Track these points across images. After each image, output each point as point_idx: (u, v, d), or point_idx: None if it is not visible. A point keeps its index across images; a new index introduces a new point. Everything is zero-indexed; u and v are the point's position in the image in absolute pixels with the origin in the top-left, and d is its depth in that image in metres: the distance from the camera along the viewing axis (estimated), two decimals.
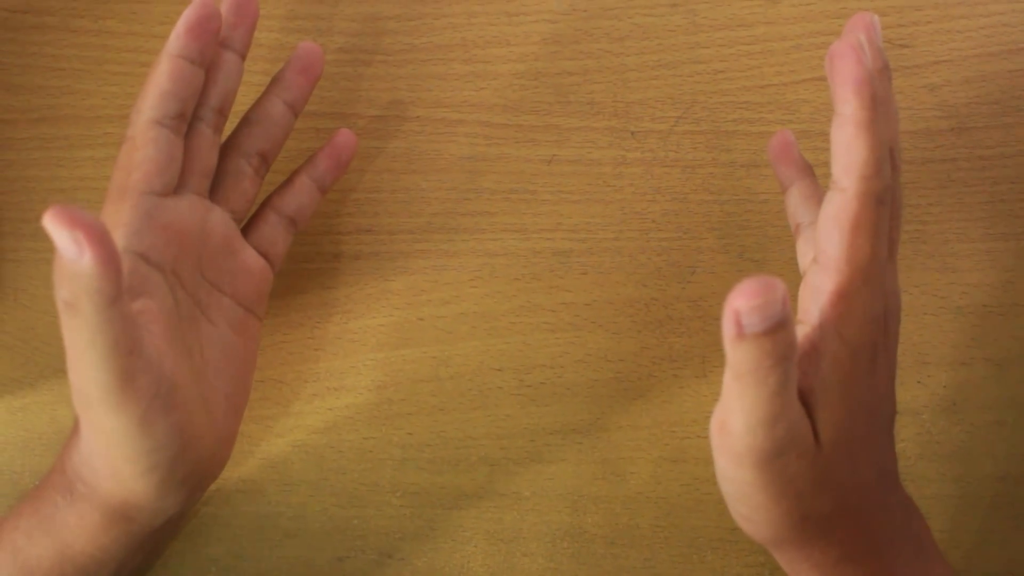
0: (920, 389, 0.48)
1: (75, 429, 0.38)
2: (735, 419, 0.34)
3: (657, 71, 0.50)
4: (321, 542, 0.46)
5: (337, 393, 0.47)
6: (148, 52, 0.49)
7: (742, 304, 0.31)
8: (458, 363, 0.47)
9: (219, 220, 0.41)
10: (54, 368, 0.47)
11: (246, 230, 0.44)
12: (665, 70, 0.50)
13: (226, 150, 0.43)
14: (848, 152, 0.35)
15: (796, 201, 0.43)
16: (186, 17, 0.39)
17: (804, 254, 0.41)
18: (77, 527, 0.37)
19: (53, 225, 0.30)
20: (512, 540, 0.46)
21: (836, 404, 0.35)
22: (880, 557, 0.37)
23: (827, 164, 0.49)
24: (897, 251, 0.39)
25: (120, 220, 0.38)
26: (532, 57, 0.50)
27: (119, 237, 0.37)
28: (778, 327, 0.32)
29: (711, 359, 0.47)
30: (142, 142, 0.38)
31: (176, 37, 0.39)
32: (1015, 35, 0.50)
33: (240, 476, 0.46)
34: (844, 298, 0.35)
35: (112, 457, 0.36)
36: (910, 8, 0.50)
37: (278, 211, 0.44)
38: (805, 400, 0.36)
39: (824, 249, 0.36)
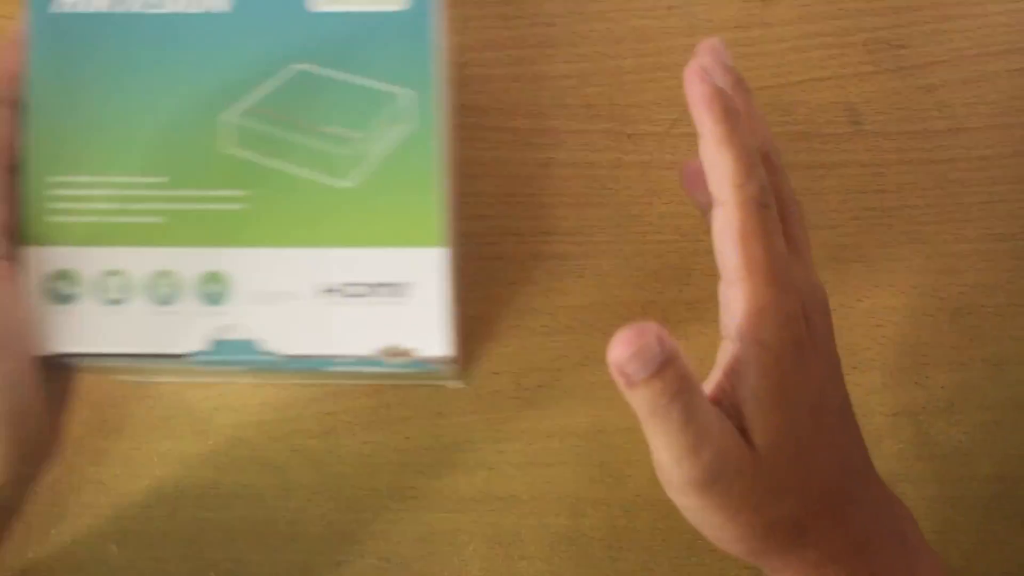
0: (918, 390, 0.48)
1: None
2: (661, 456, 0.35)
3: (654, 73, 0.50)
4: (319, 546, 0.46)
5: (335, 398, 0.47)
6: None
7: (620, 356, 0.33)
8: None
9: None
10: None
11: None
12: (662, 72, 0.50)
13: None
14: (716, 166, 0.36)
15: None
16: None
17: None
18: None
19: None
20: (510, 544, 0.46)
21: (771, 410, 0.35)
22: (861, 554, 0.37)
23: (823, 166, 0.49)
24: (804, 246, 0.38)
25: None
26: (528, 60, 0.50)
27: None
28: (662, 367, 0.33)
29: (709, 362, 0.47)
30: None
31: None
32: (1012, 35, 0.50)
33: (238, 480, 0.47)
34: (752, 306, 0.35)
35: None
36: (907, 9, 0.50)
37: None
38: (738, 413, 0.36)
39: (723, 264, 0.37)
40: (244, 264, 0.38)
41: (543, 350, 0.48)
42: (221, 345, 0.37)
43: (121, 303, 0.37)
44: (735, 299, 0.36)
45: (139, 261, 0.38)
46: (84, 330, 0.37)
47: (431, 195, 0.38)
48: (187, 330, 0.38)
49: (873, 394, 0.47)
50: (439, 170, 0.38)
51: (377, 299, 0.38)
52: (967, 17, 0.50)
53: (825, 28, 0.50)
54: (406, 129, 0.38)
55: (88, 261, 0.37)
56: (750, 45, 0.50)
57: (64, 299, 0.37)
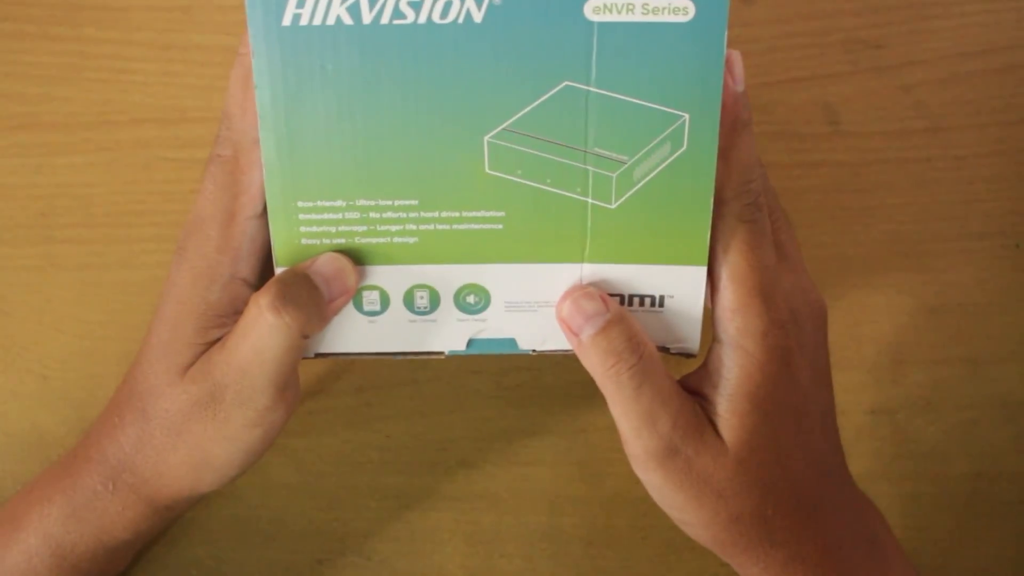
0: (896, 388, 0.48)
1: (112, 421, 0.38)
2: (621, 427, 0.36)
3: None
4: (300, 544, 0.46)
5: (316, 397, 0.47)
6: (125, 59, 0.49)
7: (565, 308, 0.36)
8: (436, 366, 0.48)
9: None
10: (35, 374, 0.47)
11: None
12: None
13: None
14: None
15: None
16: None
17: None
18: (119, 515, 0.38)
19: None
20: (490, 541, 0.47)
21: (749, 411, 0.36)
22: (830, 556, 0.37)
23: (801, 165, 0.49)
24: (795, 253, 0.39)
25: (230, 244, 0.37)
26: None
27: (228, 263, 0.37)
28: (609, 324, 0.35)
29: (689, 361, 0.47)
30: (247, 164, 0.37)
31: None
32: (989, 35, 0.50)
33: None
34: (737, 313, 0.36)
35: (201, 461, 0.37)
36: (885, 9, 0.50)
37: None
38: (711, 407, 0.37)
39: (712, 271, 0.37)
40: (502, 278, 0.38)
41: None
42: (475, 343, 0.39)
43: (379, 314, 0.38)
44: (720, 305, 0.37)
45: (394, 278, 0.38)
46: (345, 335, 0.39)
47: (701, 217, 0.37)
48: (442, 334, 0.39)
49: (850, 392, 0.48)
50: (709, 192, 0.36)
51: (632, 308, 0.38)
52: (944, 17, 0.50)
53: (803, 28, 0.50)
54: (678, 152, 0.36)
55: None
56: (729, 45, 0.50)
57: None
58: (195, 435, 0.37)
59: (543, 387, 0.48)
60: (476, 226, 0.37)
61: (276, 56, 0.35)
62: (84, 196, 0.48)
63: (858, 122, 0.49)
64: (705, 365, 0.38)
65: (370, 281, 0.38)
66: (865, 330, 0.48)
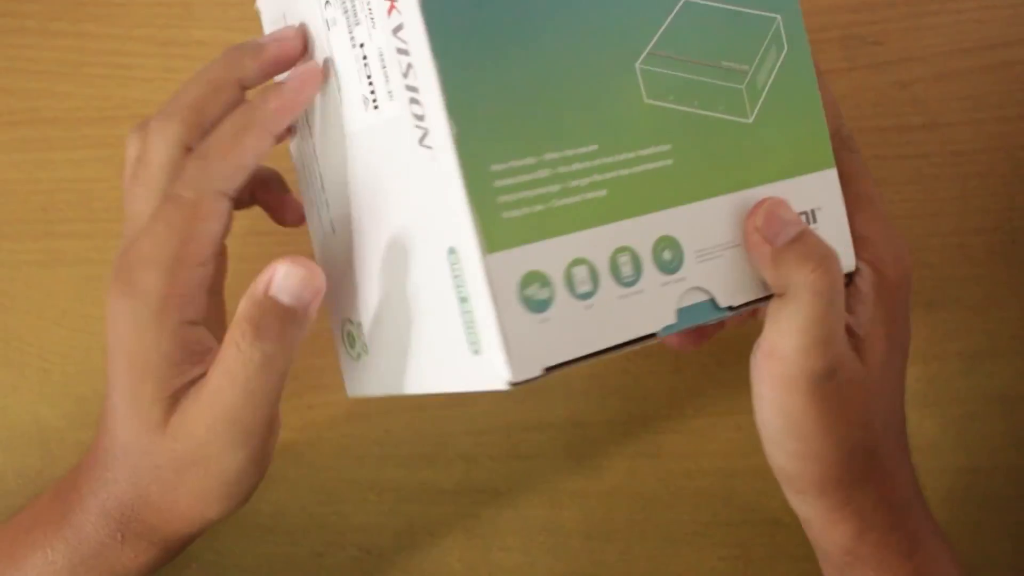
0: None
1: (105, 476, 0.37)
2: (787, 342, 0.34)
3: None
4: (300, 538, 0.47)
5: (316, 391, 0.48)
6: (126, 54, 0.50)
7: (760, 219, 0.35)
8: None
9: None
10: (35, 368, 0.47)
11: None
12: None
13: None
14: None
15: None
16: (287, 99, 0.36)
17: None
18: (131, 561, 0.37)
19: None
20: (489, 535, 0.47)
21: (883, 337, 0.36)
22: (908, 505, 0.37)
23: None
24: None
25: (176, 291, 0.35)
26: None
27: (175, 309, 0.35)
28: (807, 232, 0.34)
29: (685, 356, 0.48)
30: (207, 212, 0.35)
31: (277, 112, 0.36)
32: (986, 32, 0.50)
33: None
34: (871, 238, 0.37)
35: (207, 496, 0.36)
36: (882, 5, 0.51)
37: None
38: (854, 334, 0.36)
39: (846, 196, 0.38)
40: (686, 222, 0.34)
41: None
42: (684, 313, 0.34)
43: (592, 294, 0.32)
44: (862, 226, 0.37)
45: (597, 244, 0.33)
46: (566, 334, 0.32)
47: (817, 117, 0.37)
48: (654, 306, 0.33)
49: None
50: (815, 90, 0.37)
51: None
52: (941, 14, 0.51)
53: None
54: (782, 54, 0.36)
55: (551, 256, 0.32)
56: None
57: (541, 306, 0.31)
58: (193, 482, 0.36)
59: (541, 381, 0.48)
60: (651, 165, 0.34)
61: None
62: (85, 191, 0.49)
63: (855, 118, 0.50)
64: (849, 292, 0.37)
65: (577, 254, 0.32)
66: None
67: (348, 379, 0.38)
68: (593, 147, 0.33)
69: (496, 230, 0.31)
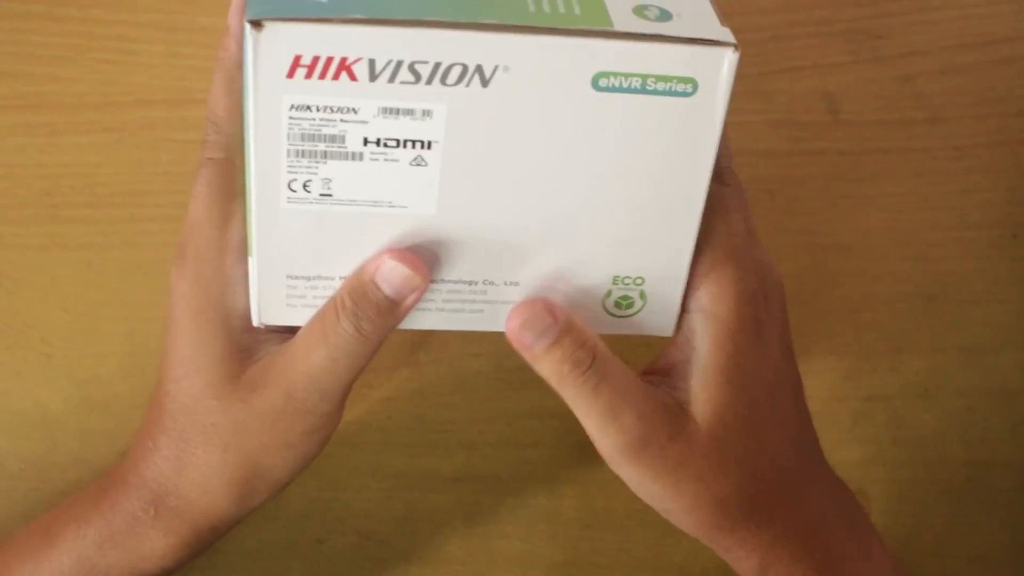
0: (893, 376, 0.48)
1: (147, 445, 0.38)
2: (587, 427, 0.36)
3: None
4: (301, 524, 0.47)
5: None
6: (133, 40, 0.50)
7: (514, 327, 0.36)
8: (437, 348, 0.48)
9: None
10: (38, 352, 0.47)
11: None
12: None
13: None
14: None
15: None
16: None
17: None
18: (159, 542, 0.37)
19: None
20: (489, 523, 0.47)
21: (721, 384, 0.36)
22: (816, 534, 0.37)
23: (801, 153, 0.50)
24: (752, 229, 0.38)
25: (230, 246, 0.37)
26: None
27: (234, 264, 0.37)
28: (561, 335, 0.35)
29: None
30: (242, 165, 0.36)
31: None
32: (989, 26, 0.51)
33: None
34: (709, 278, 0.36)
35: (253, 473, 0.37)
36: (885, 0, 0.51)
37: None
38: (684, 384, 0.36)
39: None
40: None
41: None
42: None
43: None
44: (695, 273, 0.36)
45: None
46: None
47: None
48: None
49: (848, 379, 0.48)
50: None
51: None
52: (945, 8, 0.51)
53: (806, 18, 0.51)
54: None
55: None
56: None
57: None
58: (247, 447, 0.36)
59: None
60: None
61: None
62: (89, 176, 0.49)
63: (858, 111, 0.50)
64: (674, 341, 0.38)
65: None
66: (863, 317, 0.49)
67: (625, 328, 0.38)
68: None
69: None
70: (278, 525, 0.47)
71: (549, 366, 0.35)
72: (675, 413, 0.36)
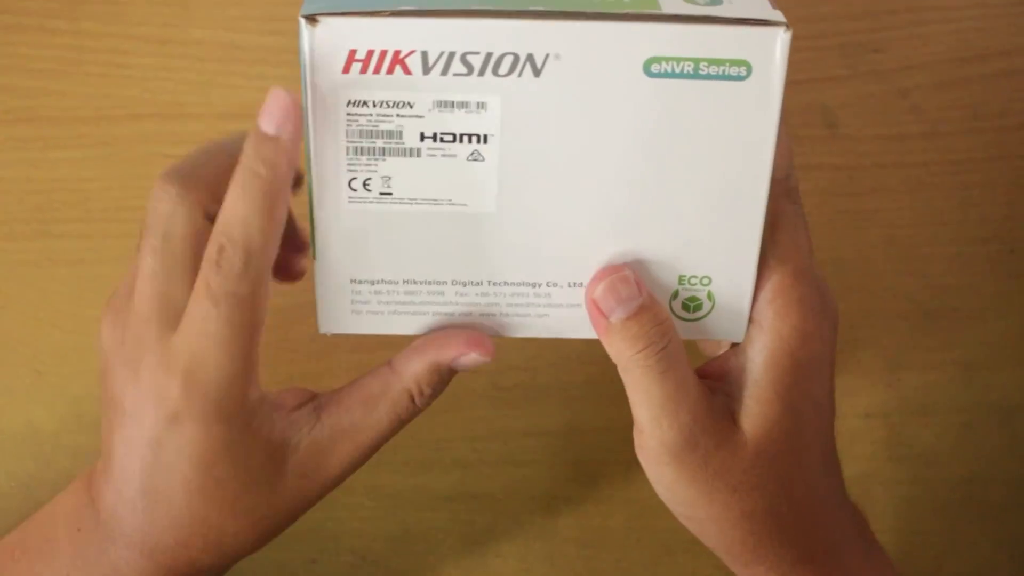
0: (890, 392, 0.48)
1: (119, 499, 0.35)
2: (639, 415, 0.35)
3: None
4: (294, 544, 0.46)
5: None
6: (124, 53, 0.49)
7: (597, 291, 0.34)
8: None
9: None
10: (30, 369, 0.47)
11: None
12: None
13: None
14: None
15: None
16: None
17: None
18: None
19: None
20: (485, 541, 0.47)
21: (773, 400, 0.35)
22: (837, 557, 0.37)
23: (798, 168, 0.49)
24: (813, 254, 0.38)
25: (253, 380, 0.35)
26: None
27: (255, 402, 0.35)
28: (641, 309, 0.34)
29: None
30: (263, 296, 0.34)
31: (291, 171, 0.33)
32: (987, 40, 0.50)
33: None
34: (778, 295, 0.35)
35: (245, 526, 0.36)
36: (883, 13, 0.51)
37: None
38: (736, 394, 0.36)
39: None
40: None
41: (519, 349, 0.48)
42: None
43: None
44: (761, 286, 0.36)
45: None
46: None
47: None
48: None
49: (846, 396, 0.48)
50: None
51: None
52: (942, 22, 0.51)
53: (801, 31, 0.50)
54: None
55: None
56: None
57: None
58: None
59: (538, 387, 0.48)
60: None
61: None
62: (81, 191, 0.48)
63: (855, 125, 0.50)
64: (731, 349, 0.37)
65: None
66: (861, 334, 0.48)
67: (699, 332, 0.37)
68: None
69: None
70: (270, 546, 0.46)
71: (622, 341, 0.34)
72: (725, 420, 0.35)
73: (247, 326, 0.33)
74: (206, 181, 0.34)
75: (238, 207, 0.32)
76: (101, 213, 0.48)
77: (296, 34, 0.31)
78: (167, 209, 0.34)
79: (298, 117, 0.32)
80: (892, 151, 0.50)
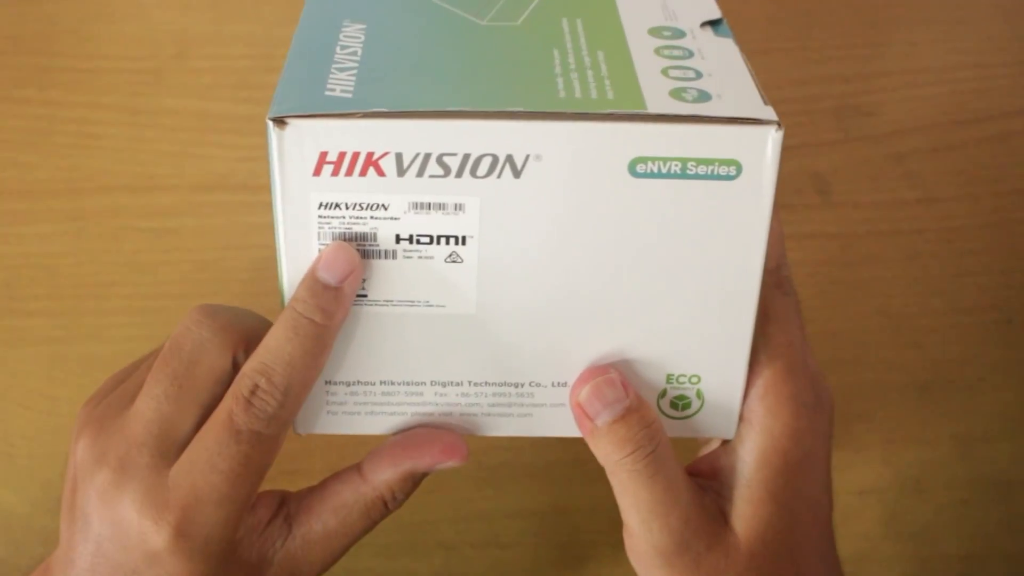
0: (885, 468, 0.47)
1: None
2: (629, 518, 0.34)
3: None
4: None
5: (291, 477, 0.46)
6: (94, 123, 0.48)
7: (583, 394, 0.33)
8: None
9: None
10: (0, 451, 0.46)
11: None
12: None
13: None
14: None
15: None
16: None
17: None
18: None
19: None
20: None
21: (765, 501, 0.34)
22: None
23: (790, 237, 0.48)
24: (808, 343, 0.37)
25: (248, 506, 0.34)
26: None
27: (254, 527, 0.34)
28: (628, 412, 0.33)
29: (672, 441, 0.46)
30: (284, 439, 0.33)
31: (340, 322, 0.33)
32: (982, 103, 0.49)
33: None
34: (768, 392, 0.35)
35: None
36: (877, 75, 0.49)
37: None
38: (726, 494, 0.35)
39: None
40: None
41: None
42: None
43: None
44: (752, 382, 0.35)
45: None
46: None
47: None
48: None
49: (840, 472, 0.46)
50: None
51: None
52: (937, 84, 0.49)
53: (793, 94, 0.49)
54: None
55: None
56: None
57: None
58: None
59: (524, 466, 0.46)
60: None
61: None
62: (50, 267, 0.47)
63: (849, 192, 0.48)
64: (722, 446, 0.36)
65: None
66: (855, 408, 0.47)
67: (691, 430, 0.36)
68: None
69: None
70: None
71: (609, 444, 0.33)
72: (717, 522, 0.34)
73: (260, 469, 0.32)
74: (242, 330, 0.33)
75: (285, 348, 0.31)
76: (71, 290, 0.47)
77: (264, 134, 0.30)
78: (201, 337, 0.33)
79: (361, 272, 0.32)
80: (886, 218, 0.48)
